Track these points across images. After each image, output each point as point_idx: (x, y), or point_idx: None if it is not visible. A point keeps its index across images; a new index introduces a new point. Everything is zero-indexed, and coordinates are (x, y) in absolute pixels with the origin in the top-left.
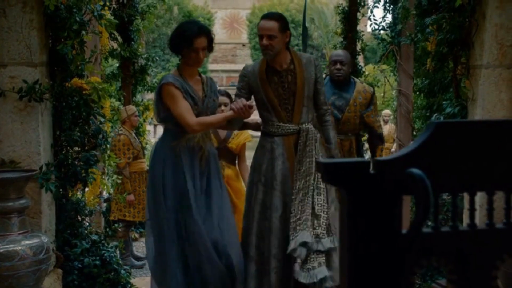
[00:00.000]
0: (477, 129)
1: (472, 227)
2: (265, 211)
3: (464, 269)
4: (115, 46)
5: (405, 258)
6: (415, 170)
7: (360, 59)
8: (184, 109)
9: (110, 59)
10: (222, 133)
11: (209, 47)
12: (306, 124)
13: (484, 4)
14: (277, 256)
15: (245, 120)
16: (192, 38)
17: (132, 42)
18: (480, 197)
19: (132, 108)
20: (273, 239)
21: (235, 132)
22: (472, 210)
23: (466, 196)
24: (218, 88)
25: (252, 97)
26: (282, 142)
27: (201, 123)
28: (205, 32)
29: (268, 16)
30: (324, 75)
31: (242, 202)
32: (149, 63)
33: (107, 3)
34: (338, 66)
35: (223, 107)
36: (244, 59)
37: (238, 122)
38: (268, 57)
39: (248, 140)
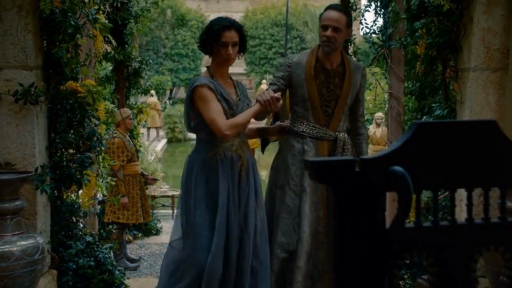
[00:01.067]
0: (456, 129)
1: (452, 222)
2: (294, 218)
3: (444, 262)
4: (109, 49)
5: (389, 252)
6: (398, 168)
7: None
8: (217, 112)
9: (104, 62)
10: None
11: (241, 46)
12: (343, 133)
13: (471, 9)
14: (303, 270)
15: (266, 126)
16: (220, 31)
17: (126, 45)
18: (466, 194)
19: (126, 111)
20: (300, 251)
21: None
22: (452, 206)
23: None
24: None
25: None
26: (315, 146)
27: (232, 125)
28: (236, 26)
29: (336, 7)
30: None
31: None
32: (143, 66)
33: (102, 7)
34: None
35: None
36: (237, 62)
37: (262, 115)
38: (328, 51)
39: (256, 146)
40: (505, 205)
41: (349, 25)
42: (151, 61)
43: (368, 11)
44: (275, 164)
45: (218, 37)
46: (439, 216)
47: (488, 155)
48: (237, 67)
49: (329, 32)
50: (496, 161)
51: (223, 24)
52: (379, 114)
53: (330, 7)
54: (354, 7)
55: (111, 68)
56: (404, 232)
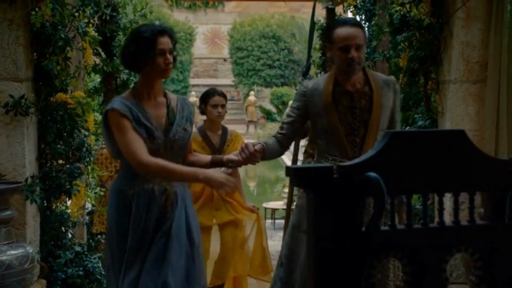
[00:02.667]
0: (427, 138)
1: (424, 225)
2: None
3: (417, 263)
4: (98, 61)
5: (365, 253)
6: (372, 174)
7: None
8: (132, 143)
9: (92, 74)
10: (215, 138)
11: (173, 56)
12: None
13: (451, 23)
14: None
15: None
16: (154, 37)
17: (115, 57)
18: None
19: None
20: None
21: (229, 136)
22: (425, 209)
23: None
24: (213, 88)
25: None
26: None
27: (160, 167)
28: (169, 31)
29: (349, 22)
30: None
31: (244, 215)
32: (131, 78)
33: (91, 20)
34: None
35: (220, 109)
36: (225, 74)
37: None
38: (355, 73)
39: None
40: (473, 209)
41: (365, 36)
42: None
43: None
44: (299, 203)
45: (153, 45)
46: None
47: (457, 162)
48: (225, 79)
49: (353, 53)
50: (465, 168)
51: (157, 29)
52: None
53: (343, 23)
54: None
55: (99, 79)
56: (379, 234)
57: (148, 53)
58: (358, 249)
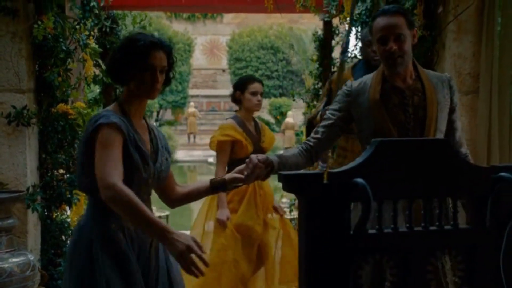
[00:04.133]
0: (412, 147)
1: (410, 229)
2: None
3: (403, 264)
4: (97, 72)
5: (353, 255)
6: (359, 180)
7: None
8: (112, 161)
9: (92, 85)
10: (251, 129)
11: (168, 76)
12: None
13: (443, 36)
14: None
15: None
16: (147, 49)
17: None
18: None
19: None
20: None
21: (260, 126)
22: (410, 215)
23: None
24: (251, 75)
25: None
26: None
27: (130, 200)
28: (166, 47)
29: (390, 10)
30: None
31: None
32: None
33: (92, 32)
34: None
35: (259, 97)
36: (224, 84)
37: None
38: (398, 69)
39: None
40: (457, 213)
41: (411, 24)
42: None
43: (349, 35)
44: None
45: (144, 57)
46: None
47: (441, 169)
48: (224, 89)
49: (391, 44)
50: (448, 175)
51: (151, 41)
52: None
53: (381, 13)
54: (337, 32)
55: (98, 90)
56: (367, 237)
57: (136, 65)
58: (347, 250)
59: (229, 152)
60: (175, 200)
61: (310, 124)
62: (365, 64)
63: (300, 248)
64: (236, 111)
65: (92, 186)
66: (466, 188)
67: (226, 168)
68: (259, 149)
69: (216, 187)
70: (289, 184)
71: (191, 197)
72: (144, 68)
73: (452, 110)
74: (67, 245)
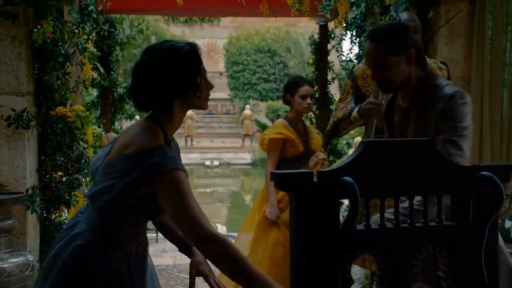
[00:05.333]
0: (398, 147)
1: (396, 225)
2: None
3: (390, 259)
4: (95, 75)
5: (342, 250)
6: (347, 178)
7: (335, 87)
8: (197, 208)
9: (90, 88)
10: (300, 130)
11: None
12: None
13: (435, 40)
14: None
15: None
16: (197, 55)
17: (112, 72)
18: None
19: (113, 135)
20: None
21: (307, 128)
22: (396, 212)
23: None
24: (301, 77)
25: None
26: None
27: (230, 249)
28: (200, 49)
29: (371, 36)
30: None
31: None
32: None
33: (90, 36)
34: None
35: (308, 100)
36: (221, 88)
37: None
38: (389, 93)
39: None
40: (441, 211)
41: (397, 49)
42: None
43: (344, 39)
44: None
45: (197, 65)
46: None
47: (426, 168)
48: (221, 93)
49: (373, 73)
50: (433, 174)
51: (193, 44)
52: (358, 139)
53: (367, 35)
54: (333, 36)
55: (95, 94)
56: (355, 233)
57: (189, 76)
58: (335, 246)
59: (279, 151)
60: (159, 222)
61: (336, 127)
62: None
63: (291, 244)
64: (286, 111)
65: (117, 212)
66: (450, 186)
67: (276, 166)
68: (308, 149)
69: (182, 246)
70: (281, 183)
71: (166, 231)
72: (198, 76)
73: (439, 129)
74: (56, 263)
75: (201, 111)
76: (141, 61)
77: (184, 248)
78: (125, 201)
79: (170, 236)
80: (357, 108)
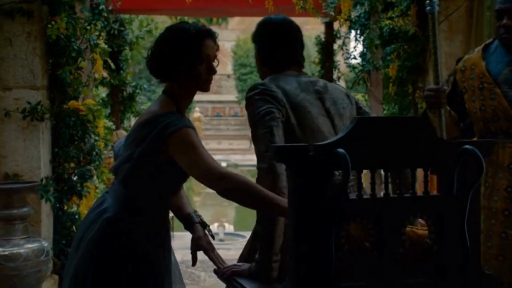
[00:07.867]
0: (388, 123)
1: (386, 196)
2: None
3: (380, 227)
4: (105, 74)
5: (335, 218)
6: (340, 150)
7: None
8: (208, 155)
9: (99, 87)
10: None
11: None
12: None
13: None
14: None
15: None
16: (200, 39)
17: (121, 71)
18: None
19: (122, 133)
20: None
21: None
22: (386, 183)
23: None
24: None
25: None
26: None
27: (242, 181)
28: (213, 34)
29: None
30: None
31: None
32: (137, 91)
33: (101, 33)
34: (506, 21)
35: None
36: (229, 90)
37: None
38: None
39: None
40: (427, 182)
41: None
42: (145, 87)
43: (348, 38)
44: None
45: (198, 47)
46: None
47: (414, 143)
48: (229, 95)
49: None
50: (420, 148)
51: (204, 30)
52: None
53: None
54: (338, 35)
55: (104, 94)
56: (348, 203)
57: (190, 56)
58: (330, 215)
59: None
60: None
61: None
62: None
63: (289, 211)
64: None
65: (146, 181)
66: (436, 160)
67: None
68: None
69: (187, 225)
70: (279, 155)
71: (175, 209)
72: (199, 58)
73: None
74: (86, 236)
75: (209, 113)
76: (159, 35)
77: (188, 225)
78: (146, 168)
79: (178, 213)
80: None
